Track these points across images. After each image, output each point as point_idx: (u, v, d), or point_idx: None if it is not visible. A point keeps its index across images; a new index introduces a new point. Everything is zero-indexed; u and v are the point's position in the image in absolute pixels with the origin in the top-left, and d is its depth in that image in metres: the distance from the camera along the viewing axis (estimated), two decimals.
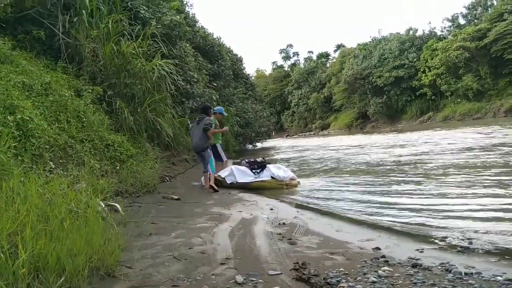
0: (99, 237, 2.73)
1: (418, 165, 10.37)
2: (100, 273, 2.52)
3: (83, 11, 8.42)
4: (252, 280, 2.60)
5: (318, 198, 7.07)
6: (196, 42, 17.23)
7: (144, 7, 10.92)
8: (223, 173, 8.40)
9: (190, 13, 19.28)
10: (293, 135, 65.98)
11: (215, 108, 9.28)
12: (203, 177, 7.95)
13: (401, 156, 13.03)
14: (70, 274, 2.22)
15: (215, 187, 7.53)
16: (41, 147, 4.68)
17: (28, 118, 4.66)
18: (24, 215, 2.48)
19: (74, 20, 8.48)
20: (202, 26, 21.35)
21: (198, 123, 7.81)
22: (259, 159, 8.71)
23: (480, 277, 2.67)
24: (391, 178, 8.54)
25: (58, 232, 2.53)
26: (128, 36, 9.17)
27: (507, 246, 3.47)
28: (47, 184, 3.36)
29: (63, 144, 5.24)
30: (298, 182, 8.66)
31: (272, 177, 8.32)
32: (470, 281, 2.57)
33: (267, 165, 8.48)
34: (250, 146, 27.63)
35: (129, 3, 10.31)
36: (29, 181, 3.10)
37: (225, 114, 9.74)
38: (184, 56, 12.78)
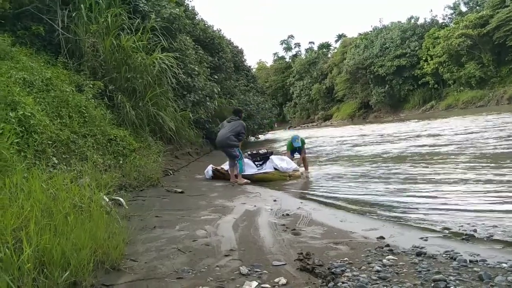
0: (103, 231, 2.74)
1: (436, 155, 10.33)
2: (105, 267, 2.53)
3: (82, 6, 8.38)
4: (256, 271, 2.61)
5: (322, 188, 7.06)
6: (196, 35, 17.17)
7: (143, 0, 10.85)
8: (226, 166, 8.42)
9: (190, 5, 19.19)
10: (295, 127, 65.94)
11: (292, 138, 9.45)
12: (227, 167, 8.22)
13: (420, 146, 12.81)
14: (75, 268, 2.23)
15: (244, 180, 7.71)
16: (44, 142, 4.68)
17: (30, 114, 4.66)
18: (28, 210, 2.48)
19: (73, 15, 8.44)
20: (202, 18, 21.28)
21: (229, 122, 7.95)
22: (262, 151, 8.71)
23: (485, 264, 2.67)
24: (397, 167, 8.52)
25: (62, 227, 2.53)
26: (128, 30, 9.14)
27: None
28: (51, 180, 3.37)
29: (66, 140, 5.24)
30: (301, 173, 8.67)
31: (275, 169, 8.32)
32: (475, 269, 2.57)
33: (270, 157, 8.48)
34: (252, 138, 27.67)
35: None
36: (32, 176, 3.10)
37: (297, 144, 9.18)
38: (185, 49, 12.75)
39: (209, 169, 8.40)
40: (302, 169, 9.05)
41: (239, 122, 7.96)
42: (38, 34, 7.97)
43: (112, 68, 8.41)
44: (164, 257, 2.91)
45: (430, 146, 11.96)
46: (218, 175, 8.27)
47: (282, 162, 8.56)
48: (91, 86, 7.44)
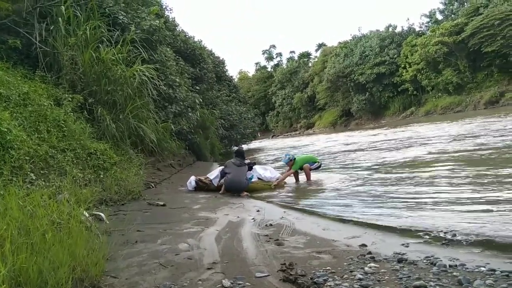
0: (82, 248, 2.68)
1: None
2: (84, 285, 2.47)
3: (60, 19, 8.28)
4: (239, 284, 2.59)
5: (305, 197, 7.09)
6: (177, 46, 17.14)
7: (122, 12, 10.78)
8: (210, 176, 8.39)
9: (170, 17, 19.18)
10: (278, 135, 66.21)
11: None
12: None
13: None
14: (53, 287, 2.18)
15: (245, 193, 7.67)
16: (21, 158, 4.58)
17: (6, 130, 4.56)
18: (4, 229, 2.42)
19: (51, 28, 8.33)
20: (182, 30, 21.32)
21: (239, 166, 7.87)
22: (245, 161, 8.71)
23: (464, 269, 2.71)
24: (376, 173, 8.62)
25: (40, 245, 2.48)
26: (107, 43, 9.04)
27: (490, 237, 3.53)
28: (28, 196, 3.29)
29: (44, 155, 5.14)
30: (285, 183, 8.68)
31: (259, 178, 8.34)
32: (454, 273, 2.61)
33: (254, 167, 8.49)
34: (235, 148, 27.61)
35: (107, 9, 10.16)
36: (8, 194, 3.03)
37: (284, 161, 9.17)
38: (165, 60, 12.68)
39: (192, 180, 8.31)
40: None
41: (247, 167, 8.09)
42: (15, 47, 7.82)
43: (92, 81, 8.30)
44: (146, 273, 2.87)
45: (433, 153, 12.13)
46: (202, 186, 8.20)
47: (265, 171, 8.61)
48: (70, 99, 7.32)
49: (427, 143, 14.19)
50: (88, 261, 2.60)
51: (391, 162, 10.41)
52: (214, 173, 8.45)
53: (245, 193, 7.61)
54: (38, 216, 2.89)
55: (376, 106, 52.91)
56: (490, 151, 9.64)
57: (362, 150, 15.87)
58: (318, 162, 9.19)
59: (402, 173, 8.26)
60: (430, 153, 11.09)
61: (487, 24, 38.37)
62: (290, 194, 7.59)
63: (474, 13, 41.66)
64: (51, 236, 2.60)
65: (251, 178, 8.08)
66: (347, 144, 20.33)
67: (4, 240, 2.31)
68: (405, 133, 21.91)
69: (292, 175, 8.95)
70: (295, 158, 8.91)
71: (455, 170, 7.56)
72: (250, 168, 8.39)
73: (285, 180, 8.72)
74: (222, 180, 7.90)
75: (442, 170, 7.82)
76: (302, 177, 8.94)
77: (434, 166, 8.59)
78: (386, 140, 18.96)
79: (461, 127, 19.44)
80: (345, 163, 12.02)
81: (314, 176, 9.08)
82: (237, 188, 7.70)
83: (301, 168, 8.85)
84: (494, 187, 5.74)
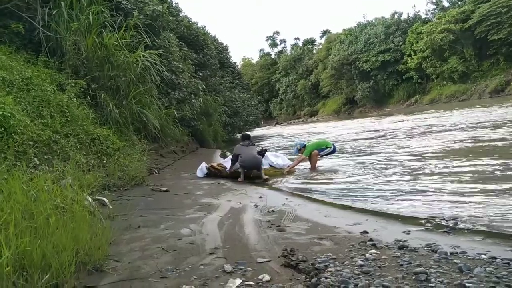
0: (86, 232, 2.71)
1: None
2: (88, 268, 2.51)
3: (62, 3, 8.23)
4: (240, 269, 2.62)
5: (308, 184, 7.10)
6: (180, 31, 17.04)
7: None
8: (226, 163, 8.41)
9: (173, 2, 19.02)
10: (281, 123, 66.13)
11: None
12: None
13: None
14: (56, 270, 2.20)
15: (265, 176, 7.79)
16: (25, 143, 4.60)
17: (9, 115, 4.57)
18: (8, 213, 2.44)
19: (54, 13, 8.28)
20: (186, 15, 21.15)
21: (248, 146, 8.00)
22: (258, 149, 8.72)
23: (465, 256, 2.72)
24: (387, 161, 8.58)
25: (43, 229, 2.50)
26: (110, 28, 9.00)
27: (492, 225, 3.53)
28: (32, 181, 3.31)
29: (47, 140, 5.16)
30: (295, 170, 8.69)
31: (270, 166, 8.37)
32: (455, 261, 2.62)
33: (266, 154, 8.52)
34: (239, 135, 27.66)
35: None
36: (12, 178, 3.04)
37: (294, 151, 9.21)
38: (168, 46, 12.63)
39: (203, 166, 8.27)
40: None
41: (256, 146, 8.32)
42: (18, 32, 7.80)
43: (95, 67, 8.29)
44: (148, 257, 2.90)
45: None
46: (214, 172, 8.16)
47: (277, 159, 8.69)
48: (73, 85, 7.32)
49: (445, 132, 13.88)
50: (91, 245, 2.63)
51: (406, 151, 10.26)
52: (228, 160, 8.48)
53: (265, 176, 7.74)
54: (41, 201, 2.91)
55: (380, 94, 52.67)
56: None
57: (374, 138, 15.68)
58: (331, 146, 9.03)
59: (412, 161, 8.18)
60: (443, 141, 10.99)
61: (494, 12, 37.88)
62: (293, 181, 7.59)
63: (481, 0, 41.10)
64: (54, 220, 2.63)
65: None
66: (362, 132, 19.85)
67: (8, 223, 2.33)
68: (419, 121, 21.53)
69: (308, 160, 8.93)
70: (305, 145, 8.90)
71: (464, 160, 7.51)
72: (262, 155, 8.39)
73: (296, 167, 8.69)
74: (237, 164, 7.90)
75: (452, 159, 7.78)
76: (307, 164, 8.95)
77: (445, 156, 8.56)
78: (402, 127, 18.64)
79: (482, 116, 18.68)
80: (356, 150, 11.91)
81: (323, 163, 9.06)
82: (253, 164, 7.81)
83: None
84: (501, 176, 5.73)
